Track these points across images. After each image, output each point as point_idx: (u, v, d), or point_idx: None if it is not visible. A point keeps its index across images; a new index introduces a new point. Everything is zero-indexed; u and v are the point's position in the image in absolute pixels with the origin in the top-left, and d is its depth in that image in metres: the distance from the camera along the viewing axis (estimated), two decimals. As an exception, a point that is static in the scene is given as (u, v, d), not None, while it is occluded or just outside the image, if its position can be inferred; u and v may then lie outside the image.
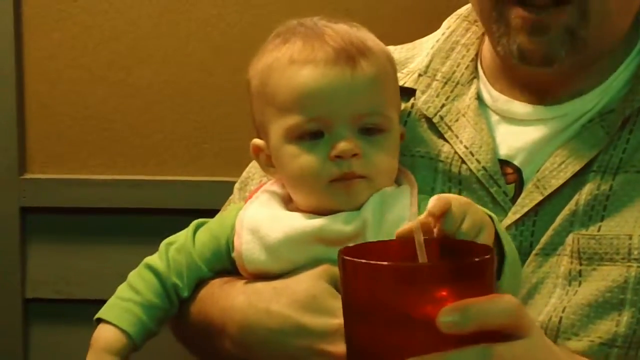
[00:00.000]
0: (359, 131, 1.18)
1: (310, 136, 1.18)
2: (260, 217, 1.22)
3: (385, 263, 0.89)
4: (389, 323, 0.89)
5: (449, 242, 0.98)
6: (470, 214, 0.99)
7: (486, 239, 1.01)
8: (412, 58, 1.38)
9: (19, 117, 1.90)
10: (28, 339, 1.95)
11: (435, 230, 0.97)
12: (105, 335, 1.22)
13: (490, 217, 1.06)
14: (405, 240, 0.95)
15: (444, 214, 0.96)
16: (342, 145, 1.16)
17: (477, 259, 0.91)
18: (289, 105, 1.19)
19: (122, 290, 1.27)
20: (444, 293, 0.88)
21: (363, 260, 0.91)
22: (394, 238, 0.97)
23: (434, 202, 0.96)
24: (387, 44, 1.36)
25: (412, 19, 1.86)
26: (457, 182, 1.25)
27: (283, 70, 1.19)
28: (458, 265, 0.91)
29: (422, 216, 0.96)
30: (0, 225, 1.90)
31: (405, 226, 0.96)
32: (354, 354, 0.94)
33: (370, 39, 1.22)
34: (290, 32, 1.21)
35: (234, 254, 1.23)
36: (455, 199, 0.98)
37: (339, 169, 1.17)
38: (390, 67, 1.23)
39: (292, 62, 1.18)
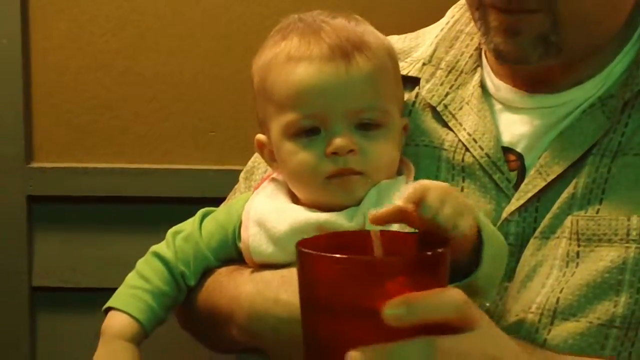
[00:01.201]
0: (355, 127, 1.18)
1: (307, 133, 1.19)
2: (266, 209, 1.23)
3: (336, 255, 0.90)
4: (340, 314, 0.90)
5: (428, 234, 0.99)
6: (449, 200, 0.99)
7: (466, 225, 1.01)
8: (416, 47, 1.38)
9: (25, 106, 1.90)
10: (35, 327, 1.95)
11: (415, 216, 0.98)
12: (117, 323, 1.23)
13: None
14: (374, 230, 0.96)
15: (421, 201, 0.97)
16: (338, 142, 1.17)
17: (428, 253, 0.92)
18: (286, 102, 1.19)
19: (131, 278, 1.27)
20: (394, 286, 0.89)
21: (314, 252, 0.92)
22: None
23: (410, 189, 0.97)
24: (391, 34, 1.36)
25: (416, 9, 1.86)
26: (461, 169, 1.25)
27: (280, 68, 1.19)
28: (407, 258, 0.93)
29: (400, 202, 0.97)
30: (7, 214, 1.91)
31: (370, 215, 0.97)
32: (307, 345, 0.95)
33: (369, 32, 1.22)
34: (289, 28, 1.22)
35: (241, 245, 1.24)
36: (434, 186, 0.98)
37: (335, 165, 1.18)
38: (390, 61, 1.23)
39: (289, 60, 1.18)
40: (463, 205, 1.01)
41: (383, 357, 0.89)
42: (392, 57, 1.24)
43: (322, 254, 0.92)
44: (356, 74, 1.17)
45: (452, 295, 0.91)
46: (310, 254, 0.92)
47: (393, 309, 0.88)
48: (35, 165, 1.92)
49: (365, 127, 1.19)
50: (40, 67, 1.91)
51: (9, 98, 1.89)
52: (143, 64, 1.91)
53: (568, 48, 1.20)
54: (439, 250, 0.92)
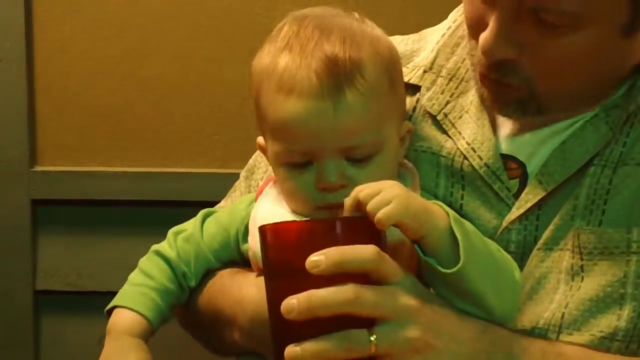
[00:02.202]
0: (348, 159, 1.16)
1: (298, 164, 1.17)
2: (272, 217, 1.21)
3: (283, 222, 1.06)
4: (291, 277, 1.02)
5: None
6: (385, 189, 1.05)
7: (392, 211, 1.04)
8: (418, 51, 1.37)
9: (29, 110, 1.90)
10: (39, 331, 1.96)
11: None
12: (124, 319, 1.23)
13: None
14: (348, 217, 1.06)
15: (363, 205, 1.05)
16: (328, 179, 1.15)
17: (355, 217, 1.04)
18: (276, 134, 1.17)
19: (135, 276, 1.27)
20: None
21: (267, 225, 1.04)
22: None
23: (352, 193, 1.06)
24: (394, 34, 1.35)
25: (420, 8, 1.86)
26: (460, 177, 1.25)
27: (271, 96, 1.17)
28: (334, 220, 1.05)
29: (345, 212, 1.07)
30: (11, 218, 1.91)
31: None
32: (270, 315, 1.05)
33: (367, 44, 1.18)
34: (287, 39, 1.18)
35: (248, 253, 1.24)
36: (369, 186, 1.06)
37: (326, 200, 1.16)
38: (388, 77, 1.19)
39: (279, 89, 1.15)
40: (391, 193, 1.05)
41: (315, 300, 1.00)
42: (390, 72, 1.20)
43: (272, 223, 1.04)
44: (345, 112, 1.14)
45: (366, 248, 1.02)
46: (264, 226, 1.04)
47: (313, 257, 1.00)
48: (39, 168, 1.92)
49: (358, 159, 1.17)
50: (44, 71, 1.91)
51: (13, 102, 1.89)
52: (147, 68, 1.91)
53: (548, 111, 1.21)
54: (360, 216, 1.04)
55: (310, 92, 1.13)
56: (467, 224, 1.12)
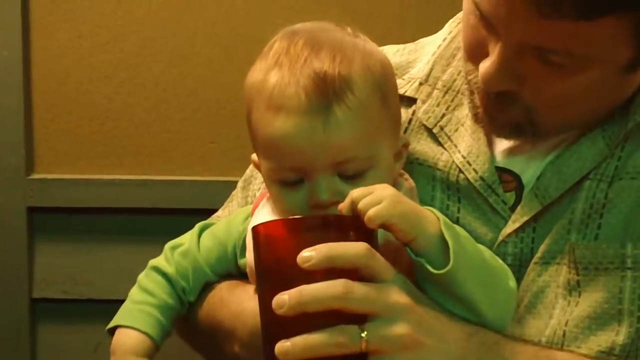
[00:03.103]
0: (339, 175, 1.15)
1: (290, 182, 1.16)
2: None
3: (274, 219, 1.08)
4: (282, 274, 1.02)
5: None
6: (377, 189, 1.06)
7: (382, 208, 1.05)
8: (414, 62, 1.36)
9: (26, 117, 1.90)
10: (35, 339, 1.95)
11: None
12: (128, 339, 1.22)
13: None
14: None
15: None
16: (320, 197, 1.14)
17: (339, 215, 1.06)
18: (267, 151, 1.17)
19: (135, 294, 1.27)
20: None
21: (258, 224, 1.05)
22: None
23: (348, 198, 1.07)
24: (392, 42, 1.35)
25: (417, 17, 1.86)
26: (456, 190, 1.24)
27: (261, 113, 1.16)
28: (324, 219, 1.07)
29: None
30: (8, 225, 1.91)
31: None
32: (261, 313, 1.06)
33: (358, 60, 1.16)
34: (277, 55, 1.17)
35: (247, 269, 1.24)
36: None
37: None
38: (379, 93, 1.17)
39: (269, 107, 1.14)
40: (381, 193, 1.07)
41: (305, 294, 1.00)
42: (383, 85, 1.19)
43: (264, 222, 1.05)
44: (334, 129, 1.13)
45: (356, 245, 1.03)
46: (256, 225, 1.05)
47: (304, 253, 1.00)
48: (35, 176, 1.92)
49: (350, 175, 1.16)
50: (40, 77, 1.91)
51: (10, 109, 1.89)
52: (143, 75, 1.91)
53: (545, 136, 1.21)
54: (351, 215, 1.05)
55: (300, 109, 1.13)
56: (459, 229, 1.12)
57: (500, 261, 1.16)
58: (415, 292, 1.08)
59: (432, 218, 1.08)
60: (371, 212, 1.04)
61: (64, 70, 1.91)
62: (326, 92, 1.13)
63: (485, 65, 1.15)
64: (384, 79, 1.19)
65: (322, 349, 1.00)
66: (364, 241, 1.03)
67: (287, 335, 1.00)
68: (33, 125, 1.92)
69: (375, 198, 1.05)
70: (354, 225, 1.05)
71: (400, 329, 1.03)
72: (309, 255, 1.00)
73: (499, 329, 1.13)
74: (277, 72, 1.15)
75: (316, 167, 1.14)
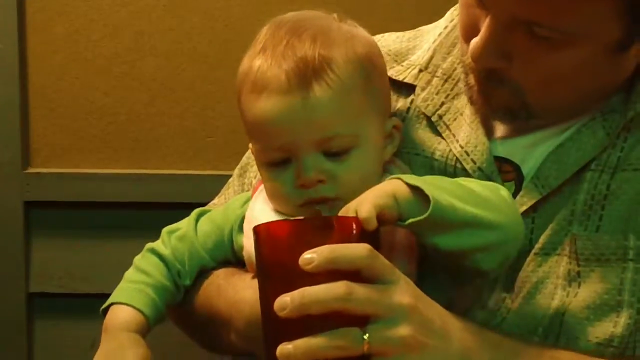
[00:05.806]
0: (325, 153, 1.17)
1: (278, 162, 1.18)
2: (266, 218, 1.22)
3: (276, 221, 1.07)
4: (283, 276, 1.02)
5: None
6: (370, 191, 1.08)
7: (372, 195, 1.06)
8: (414, 49, 1.36)
9: (22, 111, 1.90)
10: (32, 333, 1.95)
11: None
12: (121, 316, 1.22)
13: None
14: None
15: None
16: (305, 175, 1.16)
17: (341, 216, 1.06)
18: (253, 133, 1.20)
19: (131, 274, 1.27)
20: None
21: (260, 224, 1.05)
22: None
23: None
24: (390, 31, 1.35)
25: (417, 7, 1.86)
26: None
27: (246, 96, 1.19)
28: (326, 220, 1.07)
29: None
30: (4, 220, 1.91)
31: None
32: (262, 315, 1.05)
33: (341, 41, 1.18)
34: (263, 42, 1.20)
35: (244, 255, 1.24)
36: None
37: (306, 196, 1.17)
38: (362, 76, 1.19)
39: (253, 89, 1.18)
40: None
41: (307, 296, 0.99)
42: (367, 65, 1.20)
43: (265, 223, 1.05)
44: (315, 106, 1.15)
45: (358, 246, 1.02)
46: (257, 226, 1.05)
47: (306, 255, 1.00)
48: (32, 170, 1.92)
49: (335, 153, 1.17)
50: (37, 71, 1.91)
51: (6, 103, 1.89)
52: (140, 69, 1.91)
53: (538, 119, 1.21)
54: (352, 216, 1.05)
55: (280, 89, 1.15)
56: (427, 177, 1.12)
57: (486, 182, 1.17)
58: (417, 293, 1.07)
59: (395, 183, 1.09)
60: (363, 214, 1.04)
61: (60, 65, 1.91)
62: (305, 72, 1.15)
63: (475, 41, 1.16)
64: (368, 59, 1.20)
65: (324, 351, 1.00)
66: (366, 242, 1.03)
67: (289, 337, 1.00)
68: (29, 120, 1.91)
69: (356, 202, 1.06)
70: (356, 226, 1.05)
71: (402, 330, 1.03)
72: (311, 257, 1.00)
73: (517, 236, 1.12)
74: (261, 57, 1.18)
75: (300, 145, 1.16)
